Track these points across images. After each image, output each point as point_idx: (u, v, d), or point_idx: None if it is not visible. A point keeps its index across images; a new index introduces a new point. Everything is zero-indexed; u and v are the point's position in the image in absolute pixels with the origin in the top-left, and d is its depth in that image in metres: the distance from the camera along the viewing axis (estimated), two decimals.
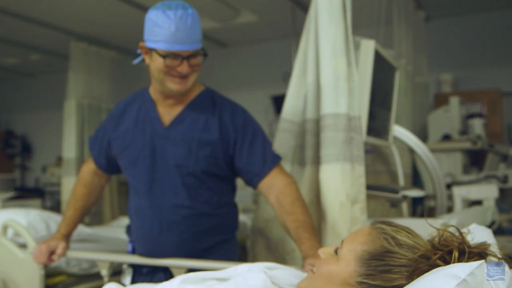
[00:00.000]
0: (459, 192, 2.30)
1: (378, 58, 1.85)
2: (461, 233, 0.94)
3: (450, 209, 2.56)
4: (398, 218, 2.33)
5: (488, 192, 2.33)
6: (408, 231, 0.97)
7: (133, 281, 1.74)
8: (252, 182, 1.62)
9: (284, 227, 1.53)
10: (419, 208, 3.21)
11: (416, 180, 3.18)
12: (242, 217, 4.41)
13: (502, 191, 2.96)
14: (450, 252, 0.91)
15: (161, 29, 1.50)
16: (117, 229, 3.41)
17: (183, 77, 1.57)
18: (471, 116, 3.64)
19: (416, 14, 3.87)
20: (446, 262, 0.90)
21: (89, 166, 1.92)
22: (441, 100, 3.93)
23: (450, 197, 2.55)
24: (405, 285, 0.88)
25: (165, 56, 1.52)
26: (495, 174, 3.09)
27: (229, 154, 1.63)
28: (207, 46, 5.85)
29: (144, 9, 4.11)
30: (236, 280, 1.03)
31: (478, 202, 2.55)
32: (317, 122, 1.66)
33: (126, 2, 4.00)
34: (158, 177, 1.65)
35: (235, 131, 1.62)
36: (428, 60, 3.93)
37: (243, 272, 1.08)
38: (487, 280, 0.82)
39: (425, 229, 0.98)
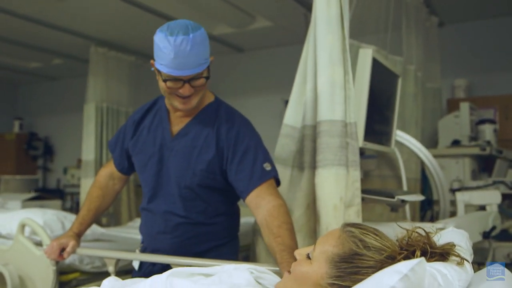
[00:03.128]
0: (461, 198, 2.32)
1: (378, 66, 1.90)
2: (427, 234, 1.00)
3: (453, 214, 2.57)
4: (402, 221, 2.36)
5: (492, 197, 2.35)
6: (376, 233, 1.02)
7: (140, 265, 1.85)
8: (241, 196, 1.68)
9: (269, 247, 1.55)
10: (429, 213, 3.23)
11: (425, 185, 3.20)
12: (253, 219, 4.47)
13: (509, 197, 2.96)
14: (414, 252, 0.96)
15: (163, 54, 1.56)
16: (131, 230, 3.51)
17: (186, 97, 1.63)
18: (482, 121, 3.64)
19: (429, 19, 3.88)
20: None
21: (106, 170, 2.02)
22: (454, 106, 3.93)
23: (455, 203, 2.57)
24: None
25: (166, 80, 1.59)
26: (503, 180, 3.09)
27: (223, 168, 1.68)
28: (224, 50, 5.96)
29: (162, 16, 4.25)
30: (221, 276, 1.10)
31: (483, 208, 2.57)
32: (315, 128, 1.72)
33: (145, 9, 4.11)
34: (161, 185, 1.75)
35: (228, 146, 1.67)
36: (441, 66, 3.94)
37: (229, 270, 1.14)
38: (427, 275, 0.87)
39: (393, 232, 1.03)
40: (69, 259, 2.42)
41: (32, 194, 4.83)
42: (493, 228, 2.13)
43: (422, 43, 3.47)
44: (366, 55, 1.81)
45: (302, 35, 4.30)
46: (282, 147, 1.86)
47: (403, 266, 0.87)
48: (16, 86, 7.15)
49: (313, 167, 1.71)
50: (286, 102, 5.30)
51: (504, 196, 2.41)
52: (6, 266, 2.38)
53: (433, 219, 3.13)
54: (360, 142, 1.75)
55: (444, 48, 4.05)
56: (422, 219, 3.13)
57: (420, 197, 2.04)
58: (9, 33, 4.70)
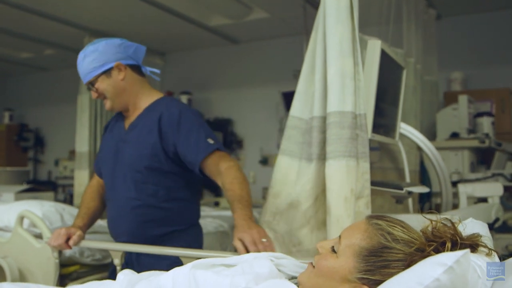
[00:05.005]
0: (464, 190, 2.32)
1: (385, 57, 1.89)
2: (453, 224, 0.99)
3: (456, 206, 2.58)
4: (404, 213, 2.37)
5: (494, 190, 2.35)
6: (403, 225, 1.01)
7: None
8: (194, 169, 1.81)
9: (229, 204, 1.69)
10: (427, 205, 3.24)
11: (423, 177, 3.21)
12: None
13: (508, 189, 2.98)
14: (443, 244, 0.95)
15: None
16: None
17: (104, 99, 1.93)
18: (480, 114, 3.65)
19: (427, 12, 3.87)
20: (439, 253, 0.95)
21: (95, 179, 2.16)
22: (451, 99, 3.94)
23: (456, 195, 2.58)
24: None
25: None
26: (502, 172, 3.11)
27: (171, 149, 1.83)
28: (220, 42, 5.91)
29: (158, 6, 4.20)
30: (243, 266, 1.08)
31: (484, 200, 2.58)
32: (324, 119, 1.70)
33: None
34: (117, 174, 1.92)
35: (172, 130, 1.82)
36: (438, 59, 3.95)
37: (250, 259, 1.13)
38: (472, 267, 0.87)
39: (417, 223, 1.03)
40: (70, 251, 2.40)
41: (25, 186, 4.77)
42: (496, 219, 2.14)
43: (421, 36, 3.47)
44: (375, 46, 1.80)
45: (300, 27, 4.32)
46: (288, 139, 1.83)
47: (447, 258, 0.86)
48: (6, 76, 7.05)
49: (322, 158, 1.70)
50: (283, 94, 5.31)
51: (504, 188, 2.42)
52: (5, 258, 2.35)
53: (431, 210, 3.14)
54: (369, 134, 1.74)
55: (440, 41, 4.06)
56: (421, 211, 3.14)
57: (425, 189, 2.04)
58: (0, 22, 4.62)
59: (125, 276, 1.17)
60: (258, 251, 1.38)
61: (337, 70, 1.64)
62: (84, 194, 2.13)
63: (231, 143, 5.41)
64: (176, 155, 1.84)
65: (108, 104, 1.92)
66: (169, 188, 1.88)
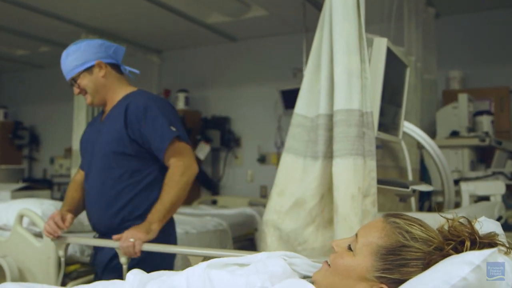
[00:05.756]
0: (466, 188, 2.32)
1: (390, 55, 1.88)
2: (470, 223, 0.98)
3: (457, 205, 2.58)
4: (407, 212, 2.37)
5: (496, 188, 2.36)
6: (421, 224, 1.01)
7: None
8: (159, 156, 1.94)
9: None
10: (427, 204, 3.24)
11: (423, 175, 3.21)
12: (250, 210, 4.47)
13: (508, 188, 2.99)
14: (461, 242, 0.95)
15: None
16: None
17: (85, 94, 2.05)
18: (479, 113, 3.66)
19: (426, 11, 3.87)
20: (458, 251, 0.94)
21: (79, 173, 2.21)
22: (449, 97, 3.94)
23: (457, 193, 2.58)
24: None
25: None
26: (503, 171, 3.11)
27: (137, 137, 1.94)
28: (217, 40, 5.87)
29: (156, 3, 4.17)
30: (257, 265, 1.07)
31: (484, 198, 2.58)
32: (330, 117, 1.69)
33: None
34: (91, 163, 2.04)
35: (138, 119, 1.93)
36: (437, 57, 3.95)
37: (263, 258, 1.12)
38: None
39: (434, 222, 1.02)
40: (70, 250, 2.38)
41: (21, 184, 4.74)
42: (499, 218, 2.14)
43: (421, 34, 3.47)
44: (381, 44, 1.79)
45: (298, 25, 4.31)
46: (293, 137, 1.82)
47: (475, 257, 0.85)
48: (1, 73, 6.99)
49: (328, 156, 1.69)
50: (281, 92, 5.30)
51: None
52: (4, 258, 2.33)
53: (431, 209, 3.15)
54: (375, 132, 1.73)
55: (439, 40, 4.06)
56: (421, 209, 3.14)
57: (429, 187, 2.04)
58: None
59: (135, 275, 1.15)
60: (122, 247, 1.77)
61: (344, 68, 1.63)
62: (68, 187, 2.22)
63: (228, 141, 5.38)
64: (142, 141, 1.95)
65: (88, 99, 2.06)
66: (136, 172, 1.97)
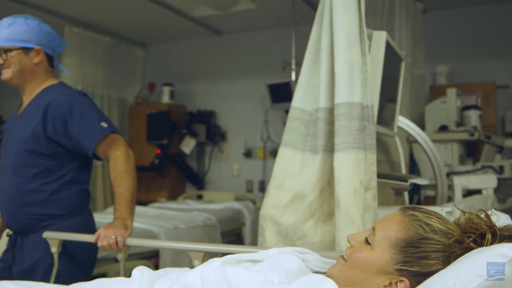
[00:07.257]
0: (459, 182, 2.34)
1: (389, 49, 1.87)
2: (488, 216, 0.98)
3: (449, 199, 2.60)
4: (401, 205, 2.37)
5: (488, 182, 2.38)
6: (439, 216, 1.00)
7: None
8: (88, 153, 1.91)
9: None
10: (416, 197, 3.26)
11: (413, 169, 3.23)
12: (237, 205, 4.45)
13: (498, 181, 3.02)
14: (482, 235, 0.94)
15: None
16: (110, 215, 3.42)
17: (4, 68, 1.95)
18: (467, 107, 3.69)
19: (415, 5, 3.89)
20: (478, 244, 0.94)
21: None
22: (436, 92, 3.98)
23: (449, 187, 2.60)
24: (441, 269, 0.91)
25: None
26: (492, 164, 3.15)
27: (59, 133, 1.89)
28: (204, 33, 5.80)
29: None
30: (271, 261, 1.05)
31: (474, 192, 2.61)
32: (330, 110, 1.68)
33: None
34: (4, 160, 1.98)
35: (63, 114, 1.89)
36: (424, 52, 3.97)
37: (275, 254, 1.10)
38: None
39: None
40: None
41: None
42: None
43: (410, 29, 3.48)
44: (381, 37, 1.78)
45: (286, 18, 4.29)
46: (291, 130, 1.80)
47: (509, 249, 0.84)
48: None
49: (328, 150, 1.67)
50: (268, 86, 5.26)
51: None
52: None
53: (420, 203, 3.16)
54: (375, 125, 1.72)
55: (426, 35, 4.08)
56: (410, 203, 3.16)
57: (425, 181, 2.05)
58: None
59: (142, 273, 1.12)
60: (103, 246, 1.77)
61: (345, 61, 1.61)
62: None
63: (214, 135, 5.35)
64: (65, 139, 1.91)
65: (8, 74, 1.96)
66: (51, 171, 1.93)
